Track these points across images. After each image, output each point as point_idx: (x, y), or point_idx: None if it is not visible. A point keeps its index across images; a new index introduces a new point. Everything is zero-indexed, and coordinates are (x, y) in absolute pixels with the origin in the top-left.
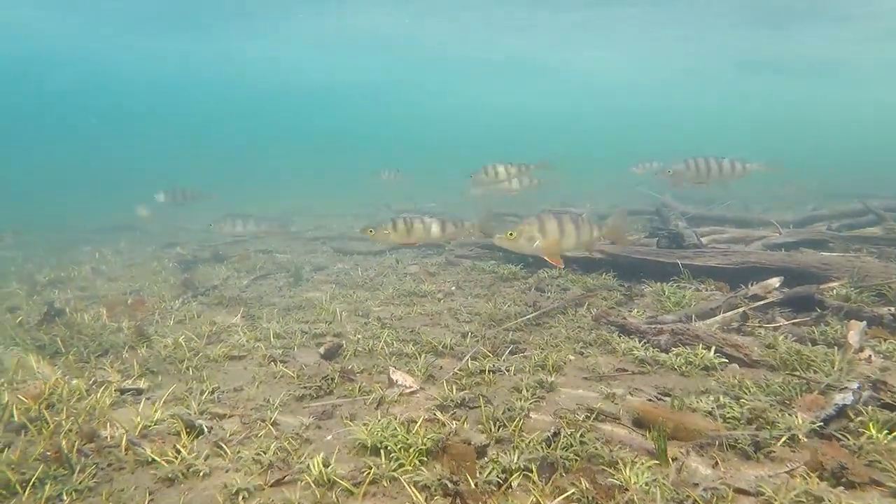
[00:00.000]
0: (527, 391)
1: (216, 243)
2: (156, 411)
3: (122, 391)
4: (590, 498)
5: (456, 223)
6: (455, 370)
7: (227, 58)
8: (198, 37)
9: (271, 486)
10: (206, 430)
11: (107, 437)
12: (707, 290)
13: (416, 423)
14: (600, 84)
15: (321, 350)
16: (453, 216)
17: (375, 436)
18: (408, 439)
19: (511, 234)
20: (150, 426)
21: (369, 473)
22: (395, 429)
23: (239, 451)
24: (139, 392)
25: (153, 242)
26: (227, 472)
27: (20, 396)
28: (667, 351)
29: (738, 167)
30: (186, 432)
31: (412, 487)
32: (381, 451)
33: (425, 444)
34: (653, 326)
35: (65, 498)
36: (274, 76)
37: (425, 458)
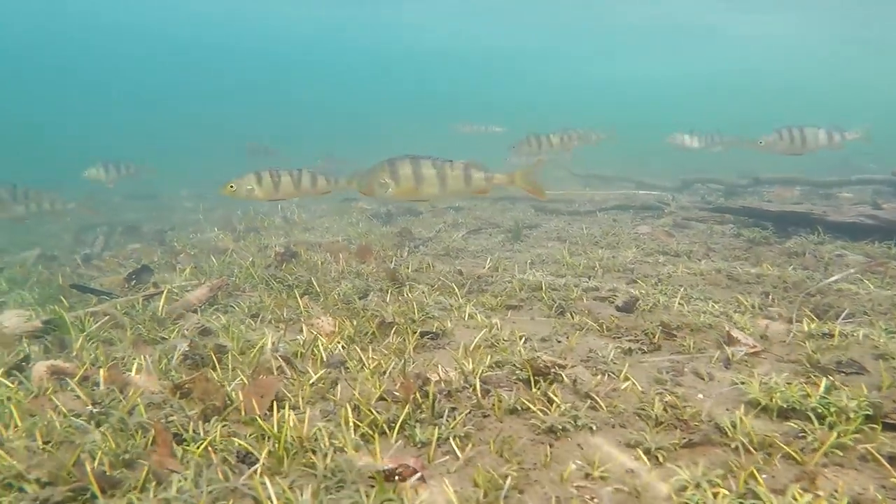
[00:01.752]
0: None
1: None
2: (484, 356)
3: (421, 334)
4: None
5: (329, 179)
6: (792, 332)
7: (380, 24)
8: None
9: (684, 446)
10: (566, 379)
11: (440, 382)
12: None
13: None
14: (759, 51)
15: (618, 303)
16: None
17: (782, 397)
18: (837, 402)
19: (361, 182)
20: (485, 372)
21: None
22: (804, 390)
23: (614, 404)
24: (435, 336)
25: (326, 198)
26: (614, 427)
27: (315, 332)
28: None
29: (836, 137)
30: (535, 381)
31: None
32: (810, 416)
33: (864, 409)
34: None
35: (453, 444)
36: (423, 42)
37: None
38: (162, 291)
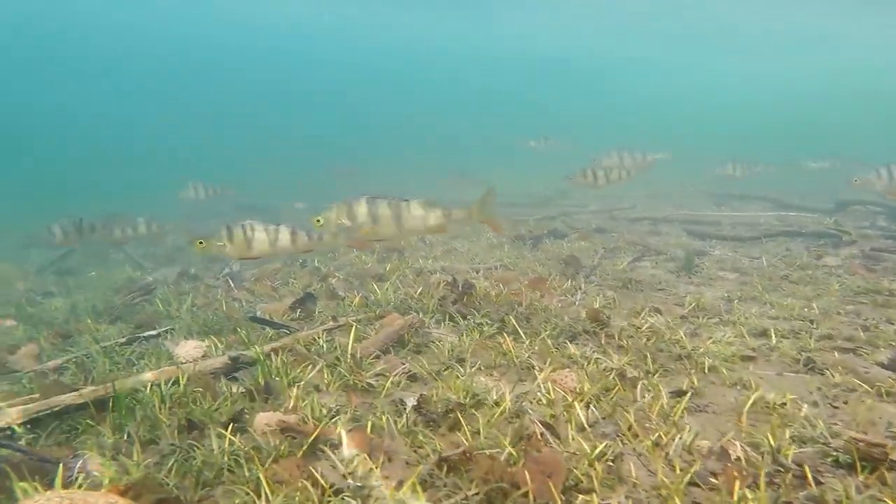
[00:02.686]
0: None
1: (543, 216)
2: (774, 428)
3: (670, 393)
4: None
5: (311, 235)
6: None
7: (483, 30)
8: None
9: None
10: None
11: (740, 461)
12: None
13: None
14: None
15: (882, 359)
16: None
17: None
18: None
19: (318, 221)
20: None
21: None
22: None
23: None
24: (680, 393)
25: None
26: None
27: (554, 387)
28: None
29: None
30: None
31: None
32: None
33: None
34: None
35: None
36: (523, 49)
37: None
38: (341, 325)
